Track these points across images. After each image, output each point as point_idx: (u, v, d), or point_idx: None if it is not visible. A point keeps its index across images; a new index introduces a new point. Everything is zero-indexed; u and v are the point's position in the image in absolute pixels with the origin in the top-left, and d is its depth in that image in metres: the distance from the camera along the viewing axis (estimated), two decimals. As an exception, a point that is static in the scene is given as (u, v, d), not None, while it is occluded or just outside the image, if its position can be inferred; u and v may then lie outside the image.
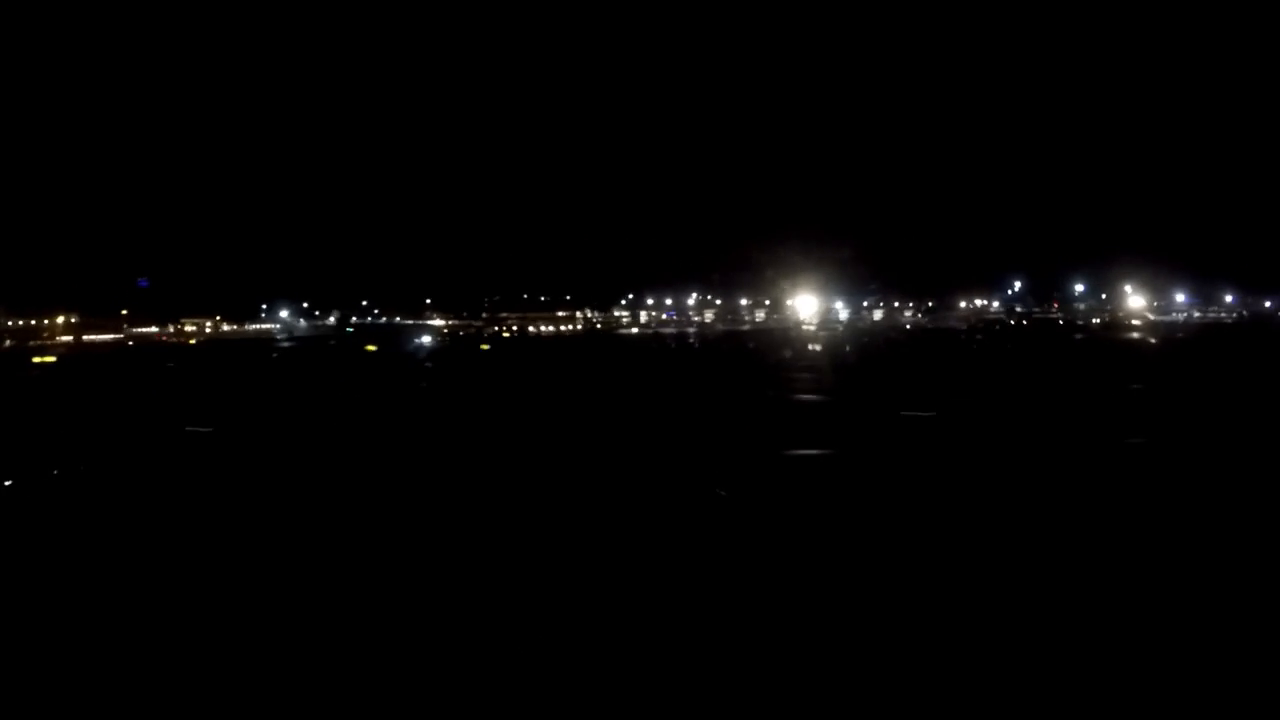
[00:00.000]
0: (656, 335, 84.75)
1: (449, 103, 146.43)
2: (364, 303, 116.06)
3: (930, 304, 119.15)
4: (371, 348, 60.16)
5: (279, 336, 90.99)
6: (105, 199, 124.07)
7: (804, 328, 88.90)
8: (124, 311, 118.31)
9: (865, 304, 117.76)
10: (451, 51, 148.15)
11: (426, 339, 70.35)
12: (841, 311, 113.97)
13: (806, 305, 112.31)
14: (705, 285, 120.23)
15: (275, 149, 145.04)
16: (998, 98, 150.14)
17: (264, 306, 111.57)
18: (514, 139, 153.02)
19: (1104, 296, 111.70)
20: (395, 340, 67.39)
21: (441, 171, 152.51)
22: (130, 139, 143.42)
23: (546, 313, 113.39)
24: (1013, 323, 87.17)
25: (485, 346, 66.28)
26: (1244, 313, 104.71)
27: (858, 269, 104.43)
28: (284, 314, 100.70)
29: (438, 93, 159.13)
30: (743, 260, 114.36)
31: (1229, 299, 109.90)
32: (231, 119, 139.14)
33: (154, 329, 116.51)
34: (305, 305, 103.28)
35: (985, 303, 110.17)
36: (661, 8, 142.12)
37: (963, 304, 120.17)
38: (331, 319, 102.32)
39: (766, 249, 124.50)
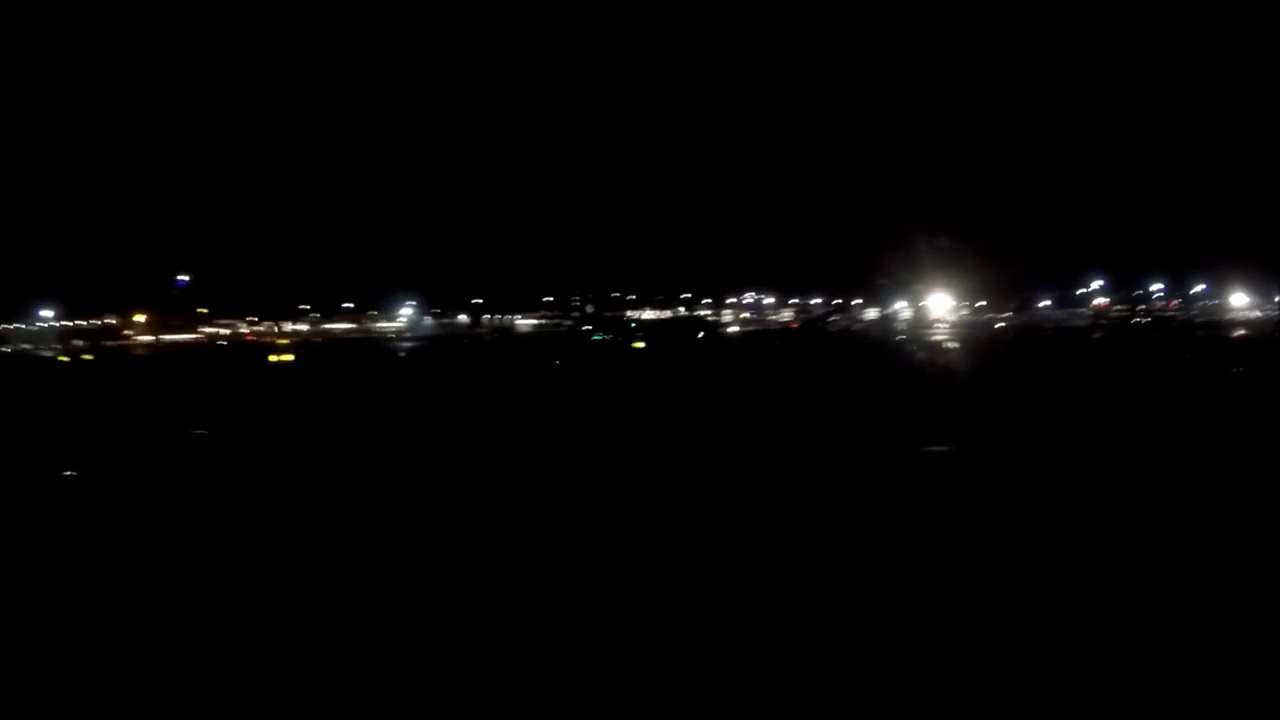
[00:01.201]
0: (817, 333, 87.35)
1: (524, 100, 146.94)
2: (412, 301, 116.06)
3: (994, 302, 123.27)
4: (640, 344, 61.71)
5: (405, 335, 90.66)
6: (164, 198, 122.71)
7: (932, 325, 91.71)
8: (201, 310, 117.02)
9: (923, 303, 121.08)
10: (537, 60, 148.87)
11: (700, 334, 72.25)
12: (907, 309, 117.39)
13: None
14: (778, 285, 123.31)
15: (353, 145, 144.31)
16: (1085, 101, 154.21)
17: (303, 307, 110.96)
18: (587, 139, 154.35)
19: (1156, 294, 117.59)
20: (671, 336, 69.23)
21: (517, 171, 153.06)
22: (195, 130, 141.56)
23: (634, 311, 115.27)
24: (1138, 320, 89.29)
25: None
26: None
27: (932, 268, 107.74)
28: (407, 310, 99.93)
29: (513, 92, 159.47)
30: (818, 259, 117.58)
31: (1277, 298, 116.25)
32: (309, 116, 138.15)
33: (224, 329, 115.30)
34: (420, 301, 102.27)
35: (1107, 300, 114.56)
36: (740, 13, 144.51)
37: (1006, 300, 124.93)
38: (496, 316, 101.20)
39: (841, 249, 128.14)
